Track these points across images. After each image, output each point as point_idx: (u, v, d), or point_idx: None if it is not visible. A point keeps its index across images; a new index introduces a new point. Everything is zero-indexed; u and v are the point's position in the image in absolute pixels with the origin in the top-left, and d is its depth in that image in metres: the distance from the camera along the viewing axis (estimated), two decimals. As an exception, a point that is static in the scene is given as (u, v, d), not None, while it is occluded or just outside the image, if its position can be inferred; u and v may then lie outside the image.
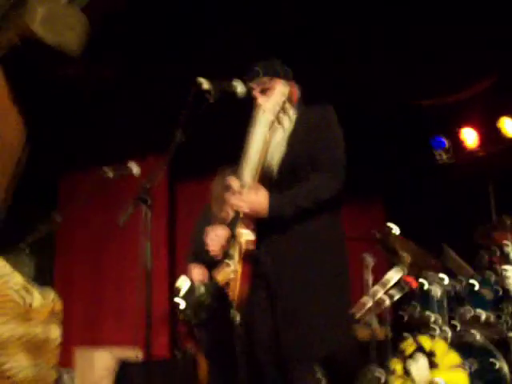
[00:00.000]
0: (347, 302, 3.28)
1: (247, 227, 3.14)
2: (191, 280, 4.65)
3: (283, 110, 3.15)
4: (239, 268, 3.16)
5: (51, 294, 3.17)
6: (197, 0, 5.69)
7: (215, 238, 3.43)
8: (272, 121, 3.16)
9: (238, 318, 3.31)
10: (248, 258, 3.14)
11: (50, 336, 3.07)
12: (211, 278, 4.49)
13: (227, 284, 3.30)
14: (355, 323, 4.86)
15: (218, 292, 4.43)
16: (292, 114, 3.26)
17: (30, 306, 3.04)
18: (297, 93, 3.40)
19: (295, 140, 3.23)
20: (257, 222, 3.14)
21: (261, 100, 3.36)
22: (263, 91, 3.37)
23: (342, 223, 3.34)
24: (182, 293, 4.61)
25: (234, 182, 3.49)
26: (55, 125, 7.29)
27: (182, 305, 4.60)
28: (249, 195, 3.13)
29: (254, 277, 3.18)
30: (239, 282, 3.16)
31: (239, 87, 3.29)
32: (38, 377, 2.94)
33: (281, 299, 3.11)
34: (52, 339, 3.08)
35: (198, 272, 4.56)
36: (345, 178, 3.21)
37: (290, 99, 3.20)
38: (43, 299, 3.09)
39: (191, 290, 4.55)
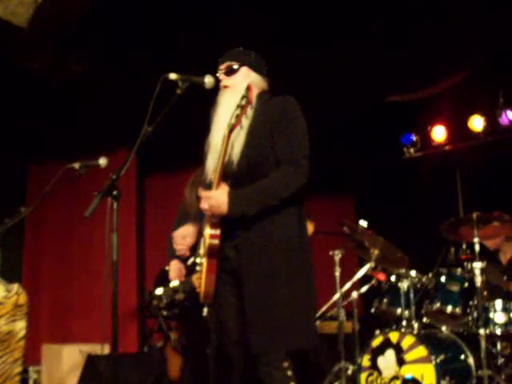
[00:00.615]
0: (311, 294, 3.17)
1: (212, 224, 3.11)
2: (170, 277, 4.66)
3: (245, 97, 3.09)
4: (204, 263, 3.15)
5: (15, 287, 3.12)
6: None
7: (180, 239, 3.48)
8: (235, 106, 3.10)
9: (205, 311, 3.35)
10: (212, 253, 3.12)
11: (14, 329, 3.03)
12: (188, 274, 4.51)
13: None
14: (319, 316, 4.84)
15: (191, 291, 4.45)
16: (252, 104, 3.19)
17: (-6, 298, 3.00)
18: (262, 84, 3.37)
19: (255, 132, 3.17)
20: (222, 219, 3.10)
21: (224, 81, 3.33)
22: (227, 73, 3.35)
23: (304, 214, 3.23)
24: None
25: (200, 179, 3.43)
26: (24, 118, 7.21)
27: (159, 291, 4.60)
28: (208, 193, 3.10)
29: (221, 272, 3.15)
30: (204, 276, 3.14)
31: (207, 78, 3.26)
32: (1, 370, 2.90)
33: (246, 294, 3.07)
34: (16, 332, 3.04)
35: (175, 268, 4.56)
36: (308, 170, 3.12)
37: (250, 87, 3.14)
38: (7, 292, 3.04)
39: (167, 283, 4.56)
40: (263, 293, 3.03)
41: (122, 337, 6.64)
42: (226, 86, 3.33)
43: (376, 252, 5.39)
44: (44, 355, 6.65)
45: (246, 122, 3.16)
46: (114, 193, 3.00)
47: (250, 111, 3.17)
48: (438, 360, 4.54)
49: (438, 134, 7.54)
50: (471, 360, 4.72)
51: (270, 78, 3.45)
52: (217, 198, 3.05)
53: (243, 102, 3.04)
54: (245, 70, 3.34)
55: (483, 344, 4.65)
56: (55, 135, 7.20)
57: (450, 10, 5.89)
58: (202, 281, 3.17)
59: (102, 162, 4.07)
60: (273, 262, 3.06)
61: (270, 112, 3.20)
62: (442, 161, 7.50)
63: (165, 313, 4.59)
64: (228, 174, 3.13)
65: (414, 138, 7.72)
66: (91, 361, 5.76)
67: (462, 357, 4.75)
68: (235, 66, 3.33)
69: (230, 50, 3.41)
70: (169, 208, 5.06)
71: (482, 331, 4.71)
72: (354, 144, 7.75)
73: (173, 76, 3.18)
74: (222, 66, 3.36)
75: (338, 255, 5.48)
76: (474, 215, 4.83)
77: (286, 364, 3.05)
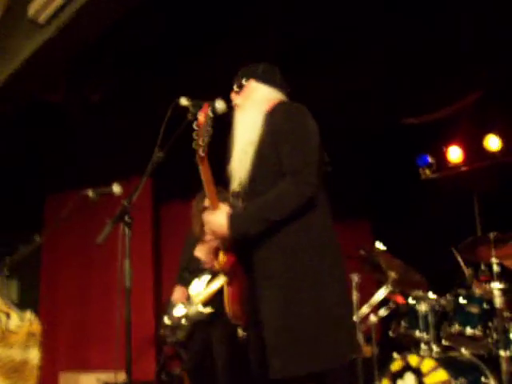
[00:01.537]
0: (338, 308, 2.95)
1: (224, 250, 3.05)
2: (173, 301, 4.68)
3: (248, 111, 3.11)
4: (226, 290, 3.13)
5: (29, 316, 3.12)
6: (181, 24, 5.68)
7: (207, 251, 3.51)
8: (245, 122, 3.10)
9: (240, 334, 3.45)
10: (230, 279, 3.12)
11: (27, 358, 3.01)
12: (189, 297, 4.52)
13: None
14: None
15: (195, 314, 4.45)
16: (261, 115, 3.12)
17: (7, 327, 2.99)
18: (275, 95, 3.27)
19: (263, 147, 3.05)
20: (234, 242, 3.01)
21: (235, 100, 3.30)
22: (237, 91, 3.31)
23: (324, 221, 3.02)
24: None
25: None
26: (40, 149, 7.28)
27: (166, 321, 4.62)
28: (208, 217, 3.01)
29: (244, 293, 3.09)
30: (227, 301, 3.13)
31: (218, 103, 3.24)
32: (15, 399, 2.89)
33: (263, 317, 2.92)
34: (30, 361, 3.03)
35: (178, 293, 4.58)
36: (313, 179, 2.93)
37: (260, 100, 3.15)
38: (20, 321, 3.04)
39: (172, 310, 4.57)
40: (280, 314, 2.87)
41: (140, 364, 6.61)
42: (236, 105, 3.28)
43: (393, 275, 5.33)
44: (61, 383, 6.64)
45: (254, 135, 3.07)
46: (127, 219, 3.00)
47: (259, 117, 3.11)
48: (459, 383, 4.47)
49: (454, 154, 7.50)
50: (492, 382, 4.64)
51: (288, 86, 3.40)
52: (216, 221, 2.96)
53: (194, 126, 2.94)
54: (253, 83, 3.28)
55: (504, 366, 4.56)
56: (72, 164, 7.24)
57: (463, 32, 5.89)
58: (227, 307, 3.12)
59: (116, 189, 4.08)
60: (287, 279, 2.88)
61: (274, 123, 3.07)
62: (458, 182, 7.44)
63: (170, 339, 4.60)
64: (239, 191, 3.06)
65: (429, 159, 7.68)
66: (109, 389, 5.74)
67: (483, 379, 4.66)
68: (243, 82, 3.29)
69: (244, 67, 3.38)
70: (184, 235, 5.06)
71: (502, 353, 4.63)
72: (370, 166, 7.72)
73: (184, 101, 3.18)
74: (234, 86, 3.34)
75: (355, 279, 5.43)
76: (492, 235, 4.78)
77: None
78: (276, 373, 2.84)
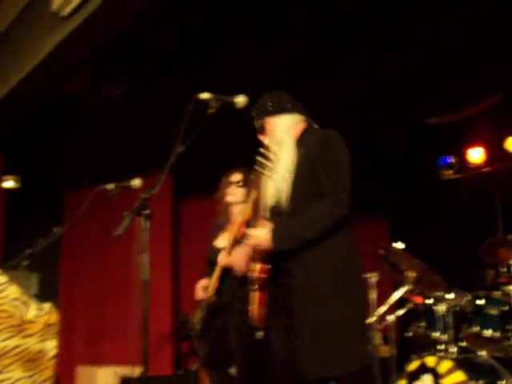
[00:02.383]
0: (363, 321, 3.35)
1: (261, 259, 3.29)
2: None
3: (279, 144, 3.28)
4: (256, 295, 3.34)
5: (47, 306, 3.13)
6: (207, 17, 5.68)
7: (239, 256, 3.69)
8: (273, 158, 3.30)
9: (260, 335, 3.58)
10: (261, 286, 3.32)
11: (44, 348, 3.03)
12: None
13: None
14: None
15: (211, 306, 4.47)
16: (290, 144, 3.37)
17: (25, 317, 3.01)
18: (295, 119, 3.49)
19: (299, 170, 3.31)
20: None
21: (263, 140, 3.50)
22: (260, 132, 3.52)
23: (351, 240, 3.35)
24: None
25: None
26: (62, 141, 7.31)
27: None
28: (252, 232, 3.30)
29: (274, 298, 3.34)
30: (256, 307, 3.35)
31: (239, 98, 3.27)
32: (32, 389, 2.90)
33: (296, 319, 3.21)
34: (47, 351, 3.04)
35: (199, 286, 4.61)
36: (348, 202, 3.23)
37: (284, 131, 3.34)
38: (38, 311, 3.05)
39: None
40: (313, 318, 3.14)
41: (157, 359, 6.63)
42: (267, 144, 3.46)
43: (412, 275, 5.30)
44: (78, 377, 6.67)
45: (285, 158, 3.32)
46: (145, 212, 3.00)
47: (289, 147, 3.34)
48: (477, 386, 4.44)
49: (475, 155, 7.46)
50: (511, 387, 4.61)
51: (302, 104, 3.56)
52: (261, 237, 3.24)
53: (273, 158, 3.25)
54: (270, 120, 3.48)
55: (523, 369, 4.54)
56: (91, 160, 7.26)
57: (486, 33, 5.85)
58: (253, 310, 3.36)
59: (136, 182, 4.09)
60: (323, 287, 3.18)
61: (311, 148, 3.33)
62: (479, 183, 7.40)
63: (188, 332, 4.65)
64: (278, 210, 3.32)
65: (451, 159, 7.64)
66: (125, 383, 5.75)
67: (502, 382, 4.62)
68: (261, 123, 3.51)
69: (252, 110, 3.55)
70: (203, 230, 5.05)
71: (521, 356, 4.60)
72: (391, 166, 7.69)
73: (205, 96, 3.20)
74: (256, 127, 3.56)
75: (373, 278, 5.41)
76: (512, 237, 4.75)
77: None
78: (312, 373, 3.12)
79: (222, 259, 4.48)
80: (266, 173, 3.26)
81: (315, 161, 3.28)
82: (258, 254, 3.31)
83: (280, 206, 3.33)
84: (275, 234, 3.21)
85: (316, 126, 3.56)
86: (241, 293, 4.37)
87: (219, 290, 4.52)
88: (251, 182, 4.01)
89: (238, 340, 4.38)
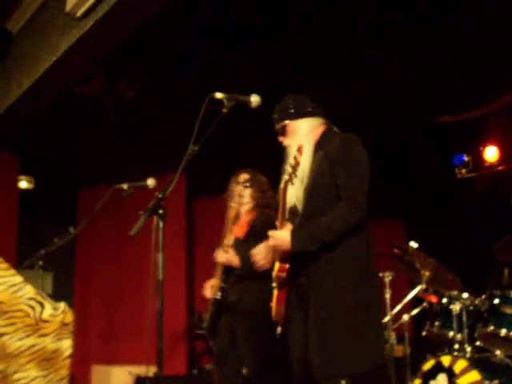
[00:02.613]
0: (378, 321, 3.40)
1: (281, 259, 3.38)
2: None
3: (299, 148, 3.30)
4: (275, 293, 3.46)
5: (62, 306, 3.15)
6: (218, 19, 5.69)
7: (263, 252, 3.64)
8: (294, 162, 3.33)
9: (278, 330, 3.56)
10: (281, 284, 3.43)
11: (60, 347, 3.04)
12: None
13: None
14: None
15: (216, 305, 4.49)
16: (310, 148, 3.45)
17: (40, 316, 3.02)
18: (315, 122, 3.57)
19: (318, 173, 3.38)
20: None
21: (283, 142, 3.59)
22: (281, 134, 3.60)
23: (367, 242, 3.42)
24: None
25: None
26: (76, 141, 7.34)
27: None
28: (274, 233, 3.38)
29: (293, 298, 3.43)
30: (275, 304, 3.48)
31: (253, 97, 3.28)
32: (47, 388, 2.92)
33: (312, 318, 3.29)
34: (62, 351, 3.06)
35: (208, 285, 4.66)
36: (365, 206, 3.31)
37: (300, 149, 3.35)
38: (54, 310, 3.06)
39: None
40: (328, 318, 3.23)
41: (171, 358, 6.64)
42: (287, 146, 3.56)
43: (427, 274, 5.28)
44: (93, 376, 6.70)
45: (308, 163, 3.41)
46: (160, 211, 3.01)
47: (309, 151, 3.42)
48: (492, 385, 4.42)
49: (491, 154, 7.41)
50: (526, 385, 4.58)
51: (322, 107, 3.63)
52: (281, 238, 3.32)
53: (292, 162, 3.24)
54: (291, 124, 3.56)
55: (539, 368, 4.51)
56: (105, 160, 7.29)
57: (501, 31, 5.82)
58: (273, 307, 3.49)
59: (150, 182, 4.12)
60: (338, 289, 3.26)
61: (331, 151, 3.39)
62: (494, 181, 7.35)
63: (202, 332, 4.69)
64: (296, 212, 3.41)
65: (465, 158, 7.60)
66: (140, 383, 5.77)
67: (518, 382, 4.60)
68: (282, 126, 3.58)
69: (274, 112, 3.64)
70: (217, 229, 5.05)
71: (537, 355, 4.57)
72: (405, 165, 7.66)
73: (219, 95, 3.21)
74: (276, 129, 3.63)
75: (388, 277, 5.39)
76: (528, 236, 4.73)
77: None
78: (321, 374, 3.21)
79: (219, 256, 4.51)
80: (286, 177, 3.30)
81: (334, 164, 3.35)
82: (279, 254, 3.39)
83: (297, 208, 3.42)
84: (294, 235, 3.29)
85: (336, 129, 3.62)
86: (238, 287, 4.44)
87: (223, 289, 4.54)
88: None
89: (248, 339, 4.38)
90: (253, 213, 4.58)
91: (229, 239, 4.55)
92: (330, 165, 3.35)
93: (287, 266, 3.38)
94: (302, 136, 3.50)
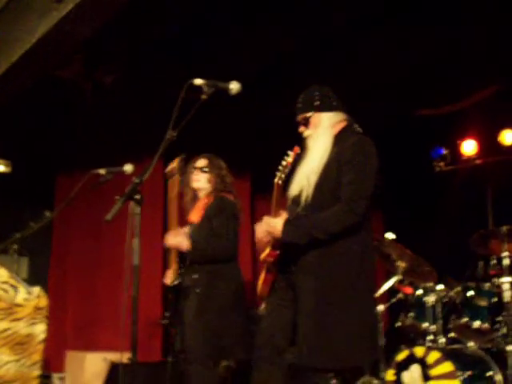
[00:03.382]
0: (368, 317, 3.42)
1: (273, 245, 3.46)
2: None
3: (316, 139, 3.45)
4: (263, 274, 3.55)
5: (36, 290, 3.12)
6: (199, 8, 5.67)
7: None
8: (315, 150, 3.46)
9: (262, 309, 3.71)
10: (268, 268, 3.52)
11: (33, 332, 3.02)
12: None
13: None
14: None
15: (174, 291, 4.50)
16: (327, 142, 3.49)
17: (14, 300, 3.00)
18: (338, 117, 3.59)
19: (328, 170, 3.41)
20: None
21: (304, 132, 3.61)
22: (304, 125, 3.62)
23: (364, 243, 3.49)
24: None
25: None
26: (52, 128, 7.28)
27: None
28: (267, 220, 3.45)
29: (281, 283, 3.51)
30: (260, 284, 3.58)
31: (233, 84, 3.26)
32: (19, 373, 2.89)
33: (301, 309, 3.34)
34: (35, 335, 3.03)
35: (167, 273, 4.67)
36: (363, 210, 3.36)
37: (328, 127, 3.49)
38: (28, 295, 3.04)
39: None
40: (318, 309, 3.27)
41: (146, 345, 6.62)
42: (308, 136, 3.60)
43: (403, 265, 5.31)
44: (68, 362, 6.66)
45: (318, 154, 3.46)
46: (137, 197, 2.98)
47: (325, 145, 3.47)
48: (465, 376, 4.44)
49: (468, 147, 7.46)
50: (499, 377, 4.61)
51: (343, 104, 3.67)
52: (273, 225, 3.38)
53: (283, 163, 3.36)
54: (315, 116, 3.57)
55: (511, 360, 4.55)
56: (83, 144, 7.23)
57: (479, 26, 5.85)
58: (259, 285, 3.59)
59: (128, 168, 4.09)
60: (328, 285, 3.30)
61: (344, 149, 3.43)
62: (472, 175, 7.40)
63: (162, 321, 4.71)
64: (298, 202, 3.45)
65: (444, 151, 7.64)
66: (114, 369, 5.75)
67: (490, 373, 4.64)
68: (307, 116, 3.59)
69: (298, 101, 3.66)
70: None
71: (510, 347, 4.62)
72: (383, 158, 7.67)
73: (198, 81, 3.20)
74: (298, 119, 3.64)
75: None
76: (504, 228, 4.76)
77: (334, 381, 3.37)
78: (304, 360, 3.26)
79: (169, 239, 4.51)
80: (280, 174, 3.39)
81: (343, 163, 3.38)
82: (271, 240, 3.46)
83: (301, 198, 3.45)
84: (286, 226, 3.35)
85: (357, 126, 3.65)
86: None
87: (181, 274, 4.54)
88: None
89: (196, 320, 4.36)
90: (210, 197, 4.58)
91: (176, 224, 4.56)
92: (339, 164, 3.38)
93: (277, 252, 3.46)
94: (324, 129, 3.53)
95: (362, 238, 3.44)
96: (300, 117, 3.63)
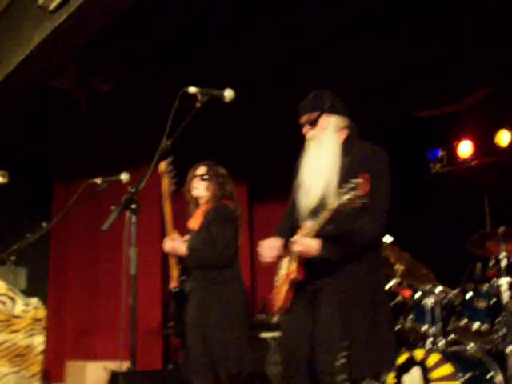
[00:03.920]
0: (386, 330, 3.42)
1: (299, 261, 3.36)
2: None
3: (322, 142, 3.42)
4: (284, 289, 3.45)
5: (34, 301, 3.12)
6: (189, 16, 5.68)
7: (268, 248, 3.54)
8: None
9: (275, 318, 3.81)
10: (293, 285, 3.41)
11: (32, 343, 3.02)
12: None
13: None
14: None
15: (176, 297, 4.50)
16: (337, 143, 3.47)
17: (12, 312, 3.00)
18: (344, 123, 3.56)
19: (344, 171, 3.36)
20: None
21: (308, 133, 3.55)
22: (309, 125, 3.55)
23: (379, 252, 3.58)
24: None
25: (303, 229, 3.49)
26: (50, 135, 7.28)
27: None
28: (304, 239, 3.32)
29: (303, 294, 3.44)
30: (283, 299, 3.47)
31: (227, 92, 3.26)
32: (19, 385, 2.89)
33: (322, 317, 3.33)
34: (34, 346, 3.03)
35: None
36: (385, 221, 3.39)
37: (334, 130, 3.45)
38: (25, 306, 3.04)
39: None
40: (339, 318, 3.25)
41: (147, 354, 6.61)
42: (311, 137, 3.54)
43: (401, 268, 5.32)
44: (68, 372, 6.65)
45: (334, 161, 3.40)
46: (133, 206, 2.99)
47: (337, 157, 3.43)
48: (465, 378, 4.44)
49: (465, 149, 7.46)
50: (499, 378, 4.61)
51: (348, 111, 3.63)
52: (309, 245, 3.29)
53: (354, 192, 3.09)
54: (325, 117, 3.52)
55: (511, 361, 4.55)
56: (80, 154, 7.24)
57: (475, 26, 5.86)
58: (279, 301, 3.50)
59: (124, 177, 4.11)
60: (352, 293, 3.30)
61: (358, 158, 3.40)
62: (468, 176, 7.41)
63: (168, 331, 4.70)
64: (316, 208, 3.38)
65: (440, 153, 7.65)
66: (115, 378, 5.74)
67: (490, 375, 4.64)
68: (314, 117, 3.53)
69: (305, 100, 3.61)
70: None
71: (509, 348, 4.61)
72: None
73: (192, 89, 3.20)
74: (303, 119, 3.56)
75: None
76: (501, 229, 4.76)
77: None
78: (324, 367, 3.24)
79: (165, 245, 4.53)
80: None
81: (363, 171, 3.28)
82: (299, 257, 3.38)
83: (321, 210, 3.36)
84: (321, 244, 3.29)
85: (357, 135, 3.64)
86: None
87: (181, 281, 4.55)
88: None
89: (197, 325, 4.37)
90: (209, 204, 4.60)
91: (172, 228, 4.58)
92: (356, 173, 3.25)
93: (303, 269, 3.40)
94: (331, 132, 3.51)
95: (377, 249, 3.52)
96: (306, 117, 3.57)
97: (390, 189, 3.44)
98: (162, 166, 4.54)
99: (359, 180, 3.02)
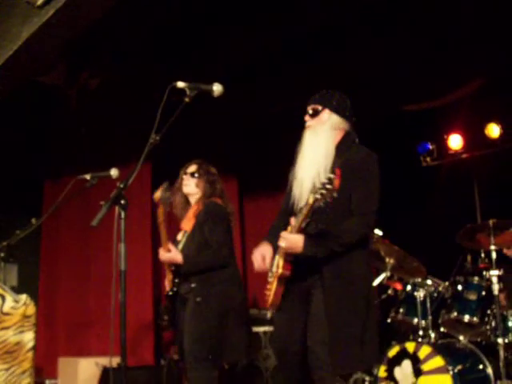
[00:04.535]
0: (375, 328, 3.48)
1: (286, 258, 3.43)
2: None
3: (324, 133, 3.49)
4: (274, 284, 3.51)
5: (23, 298, 3.11)
6: (182, 10, 5.67)
7: (259, 256, 3.59)
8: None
9: (269, 314, 3.81)
10: (281, 281, 3.48)
11: (22, 340, 3.01)
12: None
13: None
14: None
15: (171, 299, 4.49)
16: (331, 143, 3.53)
17: (1, 309, 2.99)
18: (343, 125, 3.62)
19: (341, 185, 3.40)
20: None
21: (308, 122, 3.64)
22: (311, 115, 3.63)
23: (367, 252, 3.62)
24: None
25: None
26: (39, 133, 7.26)
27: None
28: (289, 235, 3.39)
29: (292, 289, 3.52)
30: (273, 295, 3.53)
31: (215, 86, 3.26)
32: (10, 381, 2.88)
33: (312, 318, 3.40)
34: (25, 343, 3.03)
35: (166, 279, 4.66)
36: (374, 223, 3.50)
37: (331, 128, 3.52)
38: (15, 303, 3.03)
39: None
40: (330, 315, 3.33)
41: (139, 349, 6.62)
42: (309, 126, 3.63)
43: (392, 261, 5.33)
44: (60, 368, 6.65)
45: (325, 160, 3.45)
46: (122, 202, 2.98)
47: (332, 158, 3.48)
48: (456, 370, 4.47)
49: (455, 142, 7.46)
50: (490, 370, 4.65)
51: (354, 117, 3.70)
52: (294, 241, 3.36)
53: (327, 187, 3.13)
54: (327, 112, 3.62)
55: (502, 353, 4.58)
56: (70, 150, 7.22)
57: (464, 19, 5.87)
58: (270, 296, 3.55)
59: (114, 172, 4.11)
60: (340, 291, 3.38)
61: (351, 162, 3.48)
62: (458, 169, 7.42)
63: (161, 322, 4.69)
64: (322, 211, 3.41)
65: (430, 146, 7.65)
66: (107, 373, 5.75)
67: (480, 367, 4.67)
68: (318, 109, 3.63)
69: (318, 93, 3.69)
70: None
71: (500, 340, 4.64)
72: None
73: (181, 84, 3.20)
74: (309, 108, 3.66)
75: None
76: (491, 222, 4.78)
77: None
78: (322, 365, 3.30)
79: (161, 255, 4.52)
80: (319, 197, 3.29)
81: (353, 179, 3.42)
82: (285, 254, 3.45)
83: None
84: (307, 241, 3.36)
85: (357, 139, 3.69)
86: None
87: (176, 284, 4.55)
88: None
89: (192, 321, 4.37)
90: (200, 204, 4.59)
91: (166, 240, 4.56)
92: (348, 176, 3.35)
93: (290, 266, 3.47)
94: (328, 128, 3.57)
95: (365, 249, 3.56)
96: (311, 106, 3.66)
97: (379, 191, 3.51)
98: (158, 194, 4.50)
99: (332, 175, 3.08)
